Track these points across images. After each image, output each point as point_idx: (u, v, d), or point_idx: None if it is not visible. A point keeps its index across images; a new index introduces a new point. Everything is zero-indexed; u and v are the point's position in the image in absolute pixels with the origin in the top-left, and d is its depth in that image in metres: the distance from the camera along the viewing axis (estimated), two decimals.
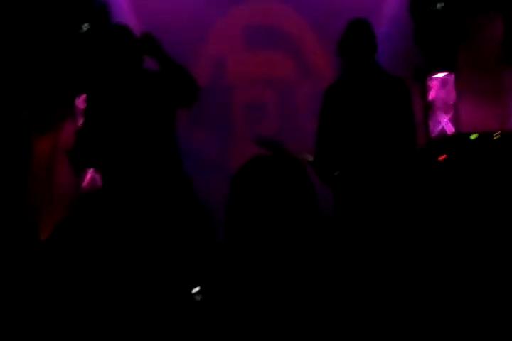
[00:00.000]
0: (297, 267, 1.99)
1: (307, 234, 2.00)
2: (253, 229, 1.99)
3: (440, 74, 6.30)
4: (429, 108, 6.12)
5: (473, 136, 5.23)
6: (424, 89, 6.19)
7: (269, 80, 6.40)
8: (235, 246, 2.03)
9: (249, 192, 2.02)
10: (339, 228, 4.34)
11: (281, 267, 1.98)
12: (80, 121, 5.91)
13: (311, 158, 4.54)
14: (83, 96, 6.03)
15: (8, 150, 5.89)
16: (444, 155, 4.98)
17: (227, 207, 2.06)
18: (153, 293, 4.01)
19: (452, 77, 6.28)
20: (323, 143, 4.57)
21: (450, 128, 6.20)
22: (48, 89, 6.20)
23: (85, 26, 6.29)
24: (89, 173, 6.12)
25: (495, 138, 5.18)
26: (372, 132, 4.44)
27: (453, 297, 3.78)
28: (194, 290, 3.32)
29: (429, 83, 6.28)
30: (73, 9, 6.30)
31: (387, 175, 4.41)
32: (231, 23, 6.49)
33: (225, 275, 2.06)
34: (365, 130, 4.45)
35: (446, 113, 6.29)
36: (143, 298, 4.00)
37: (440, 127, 6.19)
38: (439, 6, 6.20)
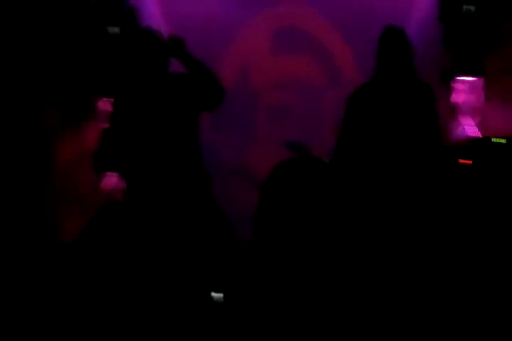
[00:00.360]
0: (327, 270, 1.96)
1: (336, 237, 1.98)
2: (285, 232, 1.97)
3: (468, 78, 6.22)
4: (454, 111, 6.04)
5: (501, 141, 5.14)
6: (450, 93, 6.11)
7: (295, 83, 6.37)
8: (267, 249, 2.01)
9: (281, 195, 2.00)
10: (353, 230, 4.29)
11: (312, 270, 1.96)
12: (103, 124, 5.96)
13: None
14: (105, 99, 6.06)
15: (30, 151, 5.94)
16: (469, 161, 4.90)
17: (258, 211, 2.04)
18: (172, 294, 4.00)
19: (481, 81, 6.19)
20: (343, 146, 4.52)
21: (477, 133, 6.11)
22: (74, 91, 6.24)
23: (114, 29, 6.32)
24: (113, 177, 6.13)
25: None
26: (393, 139, 4.39)
27: (458, 299, 3.73)
28: (215, 295, 3.30)
29: (457, 86, 6.19)
30: (103, 11, 6.34)
31: (409, 179, 4.36)
32: (257, 26, 6.48)
33: (254, 277, 2.04)
34: (386, 136, 4.40)
35: (473, 117, 6.20)
36: (161, 298, 4.00)
37: (467, 131, 6.10)
38: (470, 8, 6.12)
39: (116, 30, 6.32)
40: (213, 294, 3.37)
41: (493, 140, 5.17)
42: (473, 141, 5.80)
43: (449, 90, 5.92)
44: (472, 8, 6.11)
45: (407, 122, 4.41)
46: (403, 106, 4.43)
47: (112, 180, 5.94)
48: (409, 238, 4.26)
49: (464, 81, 6.21)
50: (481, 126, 6.16)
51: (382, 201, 4.37)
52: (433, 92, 4.51)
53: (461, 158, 4.91)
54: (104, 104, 6.11)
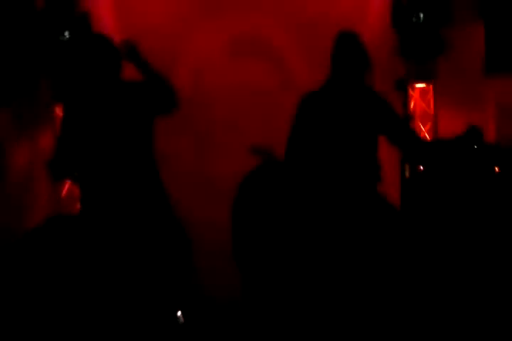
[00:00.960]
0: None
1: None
2: (263, 230, 2.00)
3: (420, 85, 6.34)
4: (411, 118, 6.15)
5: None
6: (406, 99, 6.21)
7: (249, 88, 6.41)
8: (248, 252, 2.04)
9: (259, 197, 2.03)
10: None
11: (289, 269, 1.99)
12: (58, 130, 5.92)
13: None
14: (62, 105, 6.03)
15: None
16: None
17: (234, 212, 2.07)
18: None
19: (431, 87, 6.33)
20: (293, 148, 4.53)
21: (429, 138, 6.23)
22: (26, 96, 6.18)
23: (66, 34, 6.28)
24: (67, 184, 6.10)
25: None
26: (340, 142, 4.42)
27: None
28: (178, 313, 3.30)
29: (410, 93, 6.32)
30: (55, 17, 6.30)
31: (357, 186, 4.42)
32: (213, 33, 6.50)
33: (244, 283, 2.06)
34: (334, 140, 4.43)
35: (425, 123, 6.33)
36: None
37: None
38: (420, 16, 6.24)
39: (67, 33, 6.29)
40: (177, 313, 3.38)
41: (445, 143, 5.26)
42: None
43: (404, 97, 6.02)
44: (421, 15, 6.24)
45: (355, 127, 4.45)
46: (352, 111, 4.47)
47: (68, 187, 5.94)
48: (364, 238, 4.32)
49: (415, 88, 6.33)
50: (433, 130, 6.30)
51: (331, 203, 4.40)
52: (381, 96, 4.55)
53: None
54: (61, 110, 6.09)
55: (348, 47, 4.52)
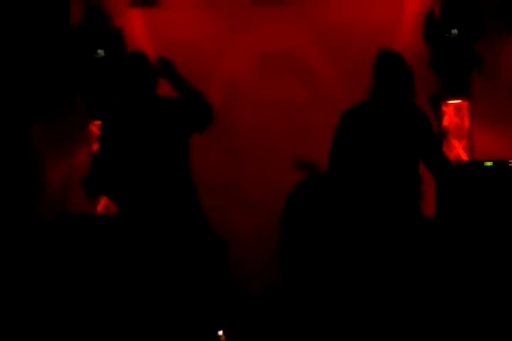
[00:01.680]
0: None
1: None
2: (308, 241, 2.01)
3: (454, 101, 6.30)
4: (444, 134, 6.12)
5: (488, 164, 5.21)
6: (439, 116, 6.17)
7: (281, 104, 6.42)
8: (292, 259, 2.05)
9: (306, 208, 2.05)
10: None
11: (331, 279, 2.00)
12: (95, 147, 5.95)
13: None
14: (97, 122, 6.06)
15: (20, 173, 5.92)
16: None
17: (283, 221, 2.09)
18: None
19: (466, 103, 6.28)
20: (335, 163, 4.54)
21: (464, 155, 6.19)
22: (63, 114, 6.24)
23: (100, 52, 6.32)
24: (104, 200, 6.12)
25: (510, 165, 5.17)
26: (386, 159, 4.43)
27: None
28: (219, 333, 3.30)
29: (444, 109, 6.28)
30: (89, 34, 6.34)
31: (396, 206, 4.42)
32: (244, 48, 6.52)
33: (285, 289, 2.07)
34: (379, 156, 4.44)
35: (460, 140, 6.28)
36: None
37: (454, 153, 6.18)
38: (453, 31, 6.20)
39: (101, 51, 6.32)
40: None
41: (481, 163, 5.24)
42: (460, 163, 5.88)
43: (437, 113, 5.99)
44: (455, 31, 6.21)
45: (398, 142, 4.45)
46: (395, 127, 4.47)
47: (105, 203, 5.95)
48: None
49: (449, 104, 6.29)
50: (467, 148, 6.24)
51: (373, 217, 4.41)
52: (427, 117, 4.56)
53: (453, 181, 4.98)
54: (96, 127, 6.12)
55: (391, 66, 4.53)
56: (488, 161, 5.21)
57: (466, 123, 6.30)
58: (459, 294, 4.81)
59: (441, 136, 4.68)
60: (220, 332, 3.63)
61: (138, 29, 6.62)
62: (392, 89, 4.51)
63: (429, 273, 4.48)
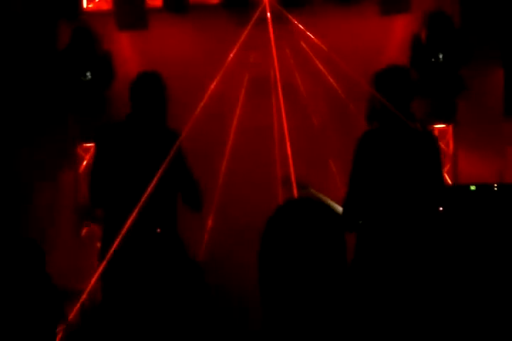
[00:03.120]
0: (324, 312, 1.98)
1: (335, 281, 2.00)
2: (286, 272, 1.99)
3: (439, 125, 6.34)
4: None
5: (472, 188, 5.23)
6: None
7: (269, 128, 6.43)
8: (269, 287, 2.04)
9: (284, 235, 2.03)
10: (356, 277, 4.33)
11: (310, 311, 1.98)
12: (81, 170, 5.98)
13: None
14: (85, 145, 6.08)
15: (6, 195, 5.90)
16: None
17: (262, 249, 2.07)
18: None
19: (451, 128, 6.33)
20: (354, 191, 4.51)
21: (448, 179, 6.22)
22: (51, 137, 6.23)
23: (88, 74, 6.33)
24: (88, 225, 6.11)
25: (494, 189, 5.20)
26: (406, 185, 4.43)
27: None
28: None
29: None
30: (77, 56, 6.35)
31: (413, 228, 4.42)
32: (231, 71, 6.52)
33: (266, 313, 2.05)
34: (398, 182, 4.43)
35: (444, 164, 6.32)
36: None
37: None
38: (440, 56, 6.25)
39: (88, 74, 6.33)
40: None
41: (465, 187, 5.26)
42: (446, 187, 5.90)
43: None
44: (441, 56, 6.25)
45: (417, 169, 4.45)
46: (412, 152, 4.47)
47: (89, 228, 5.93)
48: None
49: (434, 128, 6.32)
50: (453, 172, 6.27)
51: (381, 246, 4.40)
52: (437, 142, 4.61)
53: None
54: (83, 150, 6.14)
55: (394, 85, 4.54)
56: (473, 185, 5.22)
57: (451, 147, 6.35)
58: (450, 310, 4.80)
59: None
60: None
61: (126, 52, 6.64)
62: (398, 102, 4.49)
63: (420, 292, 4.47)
